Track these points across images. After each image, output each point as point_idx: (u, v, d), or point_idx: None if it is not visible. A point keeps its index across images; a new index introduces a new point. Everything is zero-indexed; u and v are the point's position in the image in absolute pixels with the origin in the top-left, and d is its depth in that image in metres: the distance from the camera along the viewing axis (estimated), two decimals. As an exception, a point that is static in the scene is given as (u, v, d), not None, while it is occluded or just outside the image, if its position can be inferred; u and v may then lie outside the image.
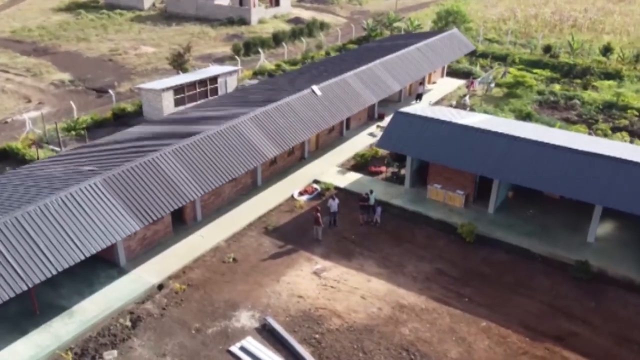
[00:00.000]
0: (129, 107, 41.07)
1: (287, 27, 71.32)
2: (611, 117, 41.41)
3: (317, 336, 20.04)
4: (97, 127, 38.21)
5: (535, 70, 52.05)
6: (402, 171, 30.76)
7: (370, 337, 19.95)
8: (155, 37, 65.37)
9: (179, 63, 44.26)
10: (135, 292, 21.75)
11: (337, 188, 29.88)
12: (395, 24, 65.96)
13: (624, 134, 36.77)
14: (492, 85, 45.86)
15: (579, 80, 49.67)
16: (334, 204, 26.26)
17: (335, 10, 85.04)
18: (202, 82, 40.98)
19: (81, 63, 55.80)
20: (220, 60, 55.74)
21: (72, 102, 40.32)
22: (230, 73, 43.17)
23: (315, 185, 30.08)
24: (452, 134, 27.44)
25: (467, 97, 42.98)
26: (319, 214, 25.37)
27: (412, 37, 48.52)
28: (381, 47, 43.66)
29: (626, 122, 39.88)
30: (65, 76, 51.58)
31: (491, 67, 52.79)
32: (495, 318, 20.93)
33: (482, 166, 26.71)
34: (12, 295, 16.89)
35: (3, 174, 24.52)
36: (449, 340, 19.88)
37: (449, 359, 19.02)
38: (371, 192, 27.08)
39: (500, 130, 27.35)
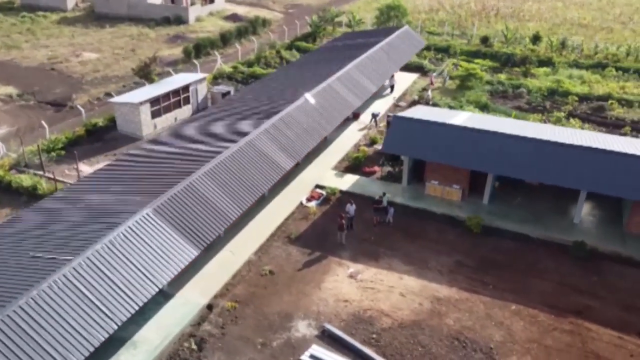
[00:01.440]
0: (101, 122, 40.07)
1: (226, 25, 71.02)
2: (555, 103, 45.92)
3: (374, 336, 21.78)
4: (72, 146, 37.14)
5: (476, 61, 55.94)
6: (398, 168, 32.88)
7: (421, 331, 22.00)
8: (93, 42, 62.85)
9: (145, 73, 43.44)
10: (188, 315, 22.33)
11: (341, 192, 31.50)
12: (337, 19, 67.83)
13: (576, 120, 41.13)
14: (448, 78, 49.04)
15: (517, 69, 54.18)
16: (351, 208, 27.90)
17: (268, 4, 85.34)
18: (176, 92, 40.79)
19: (21, 74, 52.84)
20: (172, 64, 54.94)
21: (43, 122, 38.71)
22: (200, 80, 43.14)
23: (320, 191, 31.48)
24: (448, 134, 29.91)
25: (429, 92, 45.82)
26: (343, 221, 26.94)
27: (367, 35, 50.56)
28: (345, 48, 45.33)
29: (570, 107, 44.46)
30: (10, 89, 48.80)
31: (437, 60, 56.17)
32: (521, 301, 23.67)
33: (477, 162, 29.41)
34: (106, 336, 17.14)
35: (32, 208, 23.72)
36: (489, 325, 22.36)
37: (496, 342, 21.49)
38: (384, 194, 29.01)
39: (489, 128, 30.16)
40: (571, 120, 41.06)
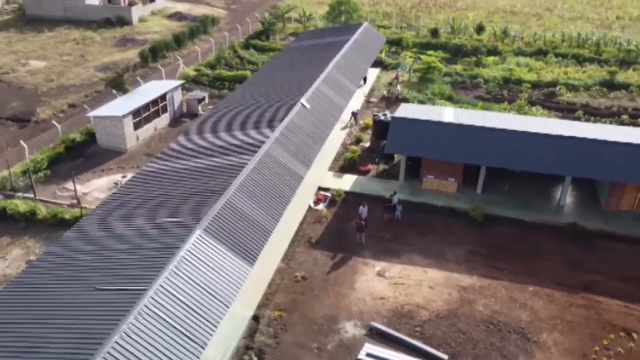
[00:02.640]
0: (78, 137, 38.86)
1: (172, 25, 69.63)
2: (512, 91, 49.36)
3: (418, 329, 23.46)
4: (54, 165, 35.94)
5: (429, 53, 58.63)
6: (392, 165, 34.62)
7: (458, 320, 23.93)
8: (35, 48, 59.75)
9: (118, 84, 42.29)
10: (239, 328, 23.01)
11: (346, 193, 32.82)
12: (286, 15, 68.31)
13: (538, 108, 44.60)
14: (412, 72, 51.26)
15: (467, 59, 57.34)
16: (364, 210, 29.31)
17: (208, 1, 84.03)
18: (154, 102, 40.22)
19: (-35, 89, 49.65)
20: (128, 70, 53.53)
21: (22, 142, 36.96)
22: (175, 88, 42.69)
23: (325, 193, 32.63)
24: (445, 132, 32.04)
25: (398, 87, 47.82)
26: (363, 222, 28.32)
27: (330, 34, 51.66)
28: (315, 48, 46.23)
29: (526, 95, 47.99)
30: (-40, 105, 45.92)
31: (392, 54, 58.32)
32: (536, 282, 26.18)
33: (472, 156, 31.71)
34: None
35: (71, 236, 23.10)
36: (514, 308, 24.65)
37: (525, 322, 23.81)
38: (395, 193, 30.63)
39: (478, 123, 32.50)
40: (533, 108, 44.44)
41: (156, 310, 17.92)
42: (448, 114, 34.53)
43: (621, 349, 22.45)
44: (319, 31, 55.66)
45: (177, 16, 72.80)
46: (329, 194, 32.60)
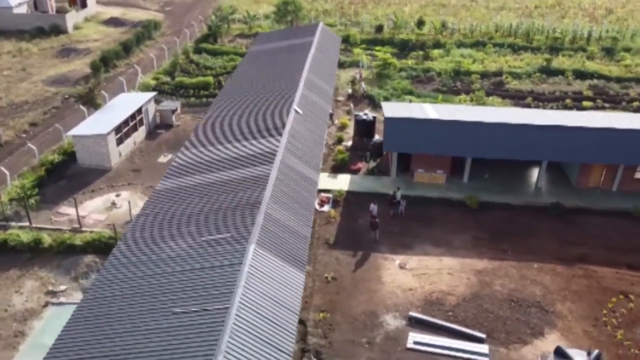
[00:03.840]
0: (56, 158, 37.52)
1: (109, 31, 67.45)
2: (463, 82, 52.80)
3: (450, 313, 25.63)
4: (37, 188, 34.63)
5: (377, 49, 61.14)
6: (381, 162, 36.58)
7: (482, 301, 26.35)
8: (-32, 63, 55.85)
9: (89, 99, 40.92)
10: (290, 332, 24.05)
11: (347, 192, 34.38)
12: (230, 16, 68.14)
13: (494, 97, 48.18)
14: (372, 69, 53.36)
15: (414, 53, 60.32)
16: (374, 208, 31.06)
17: (139, 3, 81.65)
18: (132, 116, 39.54)
19: None
20: (80, 82, 51.62)
21: (3, 168, 35.15)
22: (149, 100, 42.08)
23: (326, 194, 34.00)
24: (436, 128, 34.39)
25: (362, 84, 49.76)
26: (377, 220, 30.05)
27: (288, 35, 52.56)
28: (282, 52, 47.00)
29: (477, 85, 51.58)
30: None
31: (344, 52, 60.12)
32: (537, 259, 29.17)
33: (460, 149, 34.35)
34: (286, 369, 18.59)
35: (116, 263, 22.81)
36: (527, 284, 27.46)
37: (539, 296, 26.65)
38: (398, 189, 32.58)
39: (462, 117, 35.13)
40: (489, 98, 47.98)
41: (244, 327, 18.70)
42: (430, 110, 36.92)
43: (623, 309, 25.87)
44: (275, 33, 56.31)
45: (114, 22, 70.44)
46: (330, 195, 34.01)
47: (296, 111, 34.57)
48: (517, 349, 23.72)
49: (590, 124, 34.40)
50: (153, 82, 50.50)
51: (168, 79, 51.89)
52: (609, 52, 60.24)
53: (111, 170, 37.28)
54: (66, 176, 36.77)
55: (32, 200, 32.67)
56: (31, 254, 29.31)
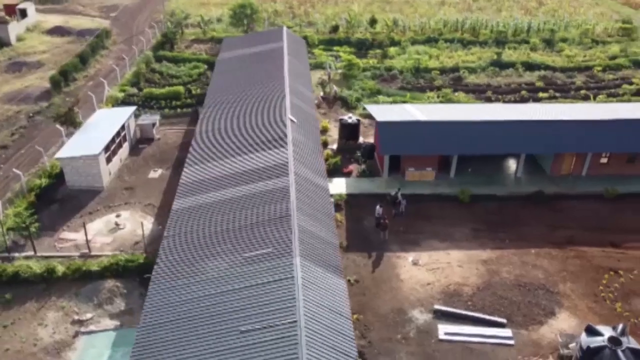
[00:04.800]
0: (43, 182, 36.43)
1: (56, 41, 64.88)
2: (425, 79, 55.30)
3: (469, 303, 27.76)
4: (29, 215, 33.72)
5: (335, 49, 62.66)
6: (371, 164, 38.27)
7: (495, 288, 28.67)
8: None
9: (68, 118, 39.72)
10: (330, 337, 25.30)
11: (347, 195, 35.79)
12: (184, 21, 67.29)
13: (460, 93, 50.93)
14: (339, 70, 54.74)
15: (371, 52, 62.29)
16: (380, 209, 32.69)
17: (79, 9, 78.67)
18: (117, 133, 38.95)
19: None
20: (42, 98, 49.84)
21: (-6, 197, 33.81)
22: (131, 116, 41.49)
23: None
24: (426, 129, 36.49)
25: (334, 86, 51.11)
26: (387, 221, 31.68)
27: (256, 40, 53.00)
28: (256, 58, 47.46)
29: (440, 81, 54.24)
30: None
31: (309, 54, 61.14)
32: (532, 245, 31.89)
33: (450, 147, 36.62)
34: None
35: (162, 284, 23.02)
36: (529, 269, 30.08)
37: (543, 279, 29.31)
38: (399, 189, 34.33)
39: (447, 117, 37.41)
40: (455, 93, 50.70)
41: (315, 338, 19.80)
42: (414, 110, 39.00)
43: (616, 284, 29.03)
44: (240, 39, 56.41)
45: (58, 31, 67.58)
46: (331, 199, 35.26)
47: (292, 120, 35.50)
48: (535, 329, 26.21)
49: (560, 116, 37.65)
50: (121, 95, 49.45)
51: (135, 90, 50.97)
52: (549, 44, 64.86)
53: (104, 190, 36.71)
54: (57, 200, 35.84)
55: (32, 229, 31.76)
56: (45, 284, 28.74)
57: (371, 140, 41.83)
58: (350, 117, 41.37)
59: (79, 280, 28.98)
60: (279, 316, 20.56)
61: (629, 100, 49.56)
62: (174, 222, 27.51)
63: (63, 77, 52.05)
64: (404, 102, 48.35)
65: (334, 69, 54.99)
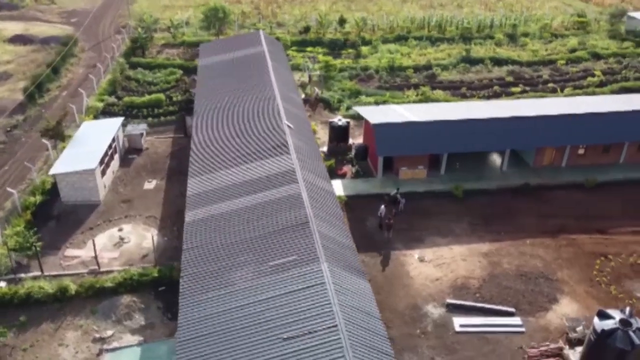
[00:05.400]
0: (38, 199, 35.77)
1: (20, 50, 62.88)
2: (400, 78, 56.74)
3: (477, 295, 29.27)
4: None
5: (308, 49, 63.39)
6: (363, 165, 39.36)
7: (499, 279, 30.29)
8: None
9: (56, 133, 38.90)
10: (353, 337, 26.25)
11: (346, 197, 36.75)
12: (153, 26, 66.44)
13: (438, 90, 52.56)
14: (319, 72, 55.46)
15: (344, 51, 63.29)
16: (383, 210, 33.81)
17: (38, 16, 76.30)
18: (109, 145, 38.54)
19: None
20: (16, 111, 48.52)
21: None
22: (120, 127, 41.07)
23: (328, 202, 36.08)
24: (420, 130, 37.85)
25: (316, 88, 51.83)
26: (392, 221, 32.82)
27: (234, 45, 53.02)
28: (240, 63, 47.56)
29: (416, 80, 55.77)
30: None
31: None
32: (527, 235, 33.71)
33: (441, 146, 38.11)
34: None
35: (192, 300, 23.29)
36: (529, 259, 31.86)
37: (541, 268, 31.13)
38: (398, 189, 35.50)
39: (436, 117, 38.87)
40: (435, 91, 52.31)
41: (357, 340, 20.68)
42: (402, 110, 40.26)
43: (608, 268, 31.17)
44: (217, 43, 56.18)
45: (20, 39, 65.52)
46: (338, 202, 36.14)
47: (289, 126, 36.09)
48: (542, 316, 27.95)
49: (541, 112, 39.78)
50: (100, 105, 48.68)
51: (114, 99, 50.27)
52: (512, 38, 67.60)
53: (101, 204, 36.34)
54: (54, 217, 35.30)
55: (36, 248, 31.22)
56: (59, 304, 28.45)
57: (359, 141, 42.96)
58: (340, 120, 42.28)
59: (93, 297, 28.84)
60: (318, 321, 21.31)
61: (593, 92, 52.55)
62: (191, 235, 27.73)
63: (37, 88, 50.71)
64: (385, 101, 49.85)
65: (313, 71, 55.67)
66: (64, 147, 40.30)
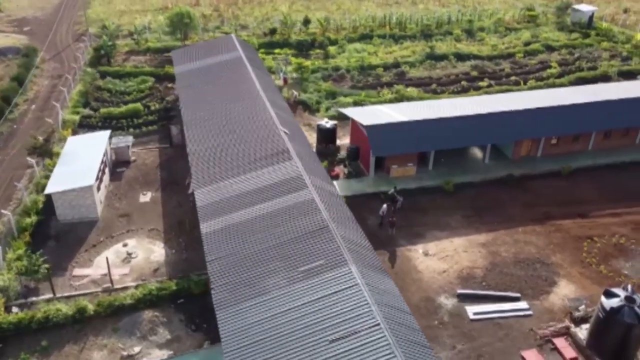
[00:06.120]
0: (33, 220, 34.95)
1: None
2: (371, 76, 58.17)
3: (483, 283, 31.15)
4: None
5: (276, 51, 63.93)
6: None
7: (501, 267, 32.29)
8: None
9: (44, 150, 37.88)
10: (377, 333, 27.51)
11: (343, 197, 37.83)
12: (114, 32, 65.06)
13: (412, 88, 54.29)
14: (295, 75, 56.09)
15: (312, 52, 64.19)
16: (384, 209, 35.18)
17: (-12, 26, 72.95)
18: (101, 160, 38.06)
19: None
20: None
21: (-5, 244, 31.99)
22: (108, 141, 40.53)
23: (327, 204, 37.12)
24: (410, 129, 39.39)
25: (293, 91, 52.52)
26: (394, 219, 34.24)
27: (209, 50, 52.87)
28: (220, 69, 47.56)
29: (389, 78, 57.37)
30: None
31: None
32: (518, 224, 35.90)
33: (428, 144, 39.89)
34: None
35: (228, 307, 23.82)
36: (523, 246, 34.04)
37: (537, 254, 33.34)
38: (395, 187, 36.94)
39: (423, 115, 40.60)
40: (408, 89, 54.04)
41: (400, 337, 21.92)
42: (388, 110, 41.78)
43: (595, 250, 33.81)
44: (190, 49, 55.58)
45: (-28, 50, 62.60)
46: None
47: (285, 133, 36.81)
48: (545, 299, 30.14)
49: (517, 106, 42.29)
50: (76, 118, 47.51)
51: (89, 111, 49.20)
52: (469, 33, 70.49)
53: (99, 220, 35.91)
54: (52, 236, 34.66)
55: (43, 271, 30.66)
56: (79, 325, 28.21)
57: (344, 142, 44.16)
58: (327, 122, 43.31)
59: (111, 315, 28.76)
60: (360, 322, 22.38)
61: (553, 84, 55.81)
62: (212, 246, 28.11)
63: (5, 103, 48.98)
64: (362, 100, 51.24)
65: (288, 74, 56.26)
66: (49, 164, 39.52)
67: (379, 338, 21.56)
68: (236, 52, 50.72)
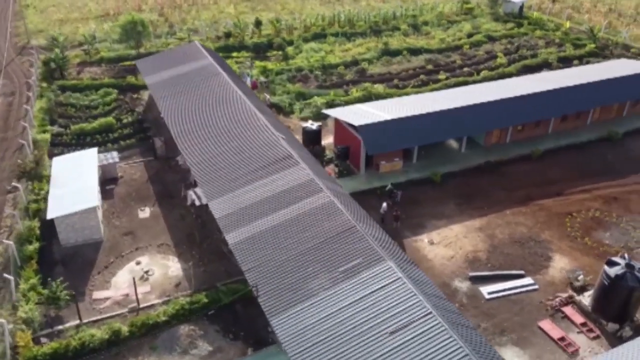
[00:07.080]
0: (36, 247, 33.89)
1: None
2: (334, 75, 59.74)
3: (489, 265, 33.82)
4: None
5: (234, 54, 64.08)
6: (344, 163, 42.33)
7: (500, 248, 35.09)
8: None
9: (36, 174, 36.38)
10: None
11: (342, 197, 39.32)
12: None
13: (379, 85, 56.32)
14: (266, 79, 56.53)
15: (270, 53, 64.84)
16: (385, 205, 37.05)
17: None
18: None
19: None
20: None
21: (9, 276, 30.64)
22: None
23: (328, 204, 38.47)
24: (399, 126, 41.37)
25: (267, 95, 53.11)
26: (399, 213, 36.17)
27: (176, 59, 52.31)
28: (195, 78, 47.27)
29: (351, 76, 59.14)
30: None
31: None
32: (504, 207, 38.92)
33: (415, 139, 42.19)
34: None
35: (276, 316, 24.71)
36: (516, 228, 37.03)
37: (528, 232, 36.43)
38: (391, 184, 38.83)
39: (410, 112, 42.83)
40: (374, 86, 56.04)
41: (450, 321, 23.87)
42: (369, 109, 43.65)
43: (577, 224, 37.44)
44: (156, 59, 54.53)
45: None
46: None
47: (282, 138, 37.71)
48: (546, 272, 33.25)
49: (488, 98, 45.48)
50: (47, 137, 45.68)
51: (59, 128, 47.49)
52: (415, 28, 73.68)
53: (103, 241, 35.32)
54: (58, 261, 33.81)
55: (65, 297, 30.02)
56: (116, 348, 28.06)
57: (327, 142, 45.63)
58: (313, 124, 44.52)
59: (145, 335, 28.80)
60: (412, 312, 24.10)
61: (503, 73, 59.82)
62: (244, 255, 28.78)
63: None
64: (333, 100, 52.75)
65: (254, 77, 56.71)
66: (36, 188, 38.18)
67: (434, 325, 23.40)
68: (205, 59, 50.63)
